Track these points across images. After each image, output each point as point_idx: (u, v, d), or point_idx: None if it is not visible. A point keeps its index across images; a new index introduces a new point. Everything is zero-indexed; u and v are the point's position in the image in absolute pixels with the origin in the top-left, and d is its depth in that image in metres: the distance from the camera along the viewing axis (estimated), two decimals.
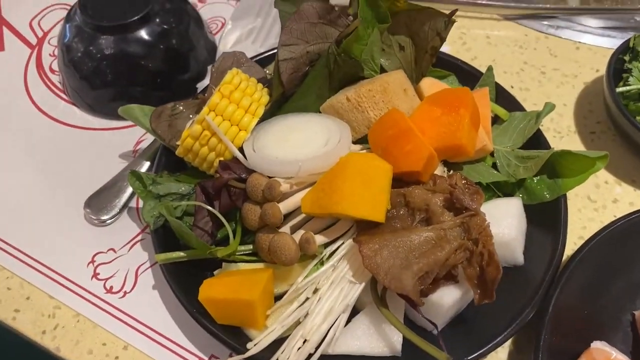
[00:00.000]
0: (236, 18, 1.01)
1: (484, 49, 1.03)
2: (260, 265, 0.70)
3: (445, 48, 0.98)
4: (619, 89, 0.86)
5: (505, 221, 0.72)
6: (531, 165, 0.75)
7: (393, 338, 0.66)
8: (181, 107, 0.81)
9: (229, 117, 0.72)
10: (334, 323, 0.65)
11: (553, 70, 0.99)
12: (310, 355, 0.64)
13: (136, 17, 0.88)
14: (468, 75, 0.87)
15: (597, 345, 0.65)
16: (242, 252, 0.72)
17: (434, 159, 0.68)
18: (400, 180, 0.70)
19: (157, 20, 0.90)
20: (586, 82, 0.97)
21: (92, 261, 0.80)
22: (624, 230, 0.74)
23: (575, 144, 0.90)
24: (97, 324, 0.74)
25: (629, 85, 0.86)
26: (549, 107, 0.80)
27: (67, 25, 0.93)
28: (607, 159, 0.73)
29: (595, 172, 0.74)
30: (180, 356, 0.72)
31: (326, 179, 0.66)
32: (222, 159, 0.73)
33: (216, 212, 0.71)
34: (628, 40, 0.89)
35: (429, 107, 0.72)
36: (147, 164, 0.86)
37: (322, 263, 0.68)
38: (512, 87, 0.96)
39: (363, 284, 0.66)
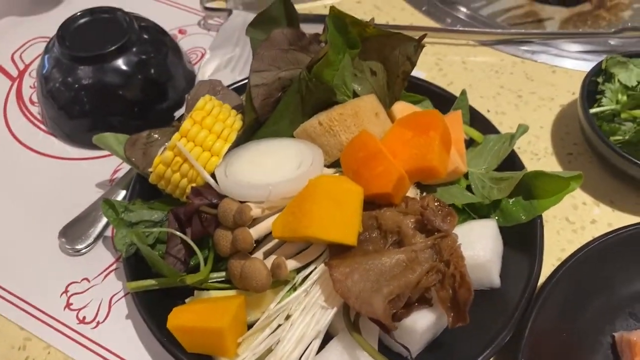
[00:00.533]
0: (215, 47, 1.02)
1: (460, 75, 1.04)
2: (232, 293, 0.69)
3: (421, 74, 1.00)
4: (593, 110, 0.86)
5: (480, 243, 0.71)
6: (505, 186, 0.75)
7: None
8: (156, 135, 0.81)
9: (201, 143, 0.72)
10: (306, 350, 0.64)
11: (530, 93, 1.00)
12: None
13: (113, 47, 0.89)
14: (442, 100, 0.88)
15: None
16: (214, 280, 0.71)
17: (405, 181, 0.68)
18: (372, 203, 0.70)
19: (135, 50, 0.91)
20: (562, 105, 0.98)
21: (66, 291, 0.78)
22: (601, 251, 0.73)
23: (552, 166, 0.90)
24: (68, 356, 0.73)
25: (602, 106, 0.86)
26: (523, 129, 0.81)
27: (46, 57, 0.94)
28: (582, 179, 0.73)
29: (570, 192, 0.74)
30: None
31: (296, 202, 0.66)
32: (194, 185, 0.73)
33: (188, 239, 0.70)
34: (600, 63, 0.90)
35: (399, 130, 0.72)
36: (122, 193, 0.86)
37: (294, 289, 0.67)
38: (488, 111, 0.97)
39: (335, 309, 0.65)
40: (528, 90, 1.01)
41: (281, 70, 0.75)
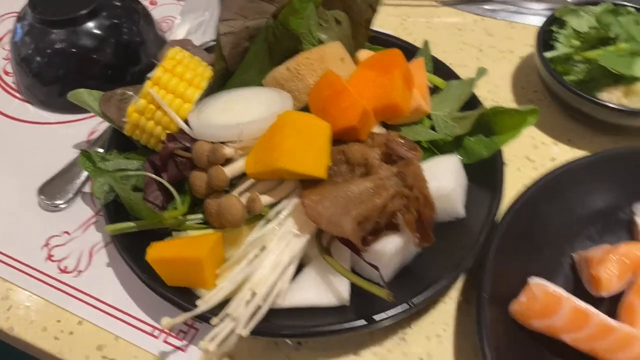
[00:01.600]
0: (185, 12, 1.05)
1: (424, 34, 1.08)
2: (209, 231, 0.72)
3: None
4: (548, 54, 0.91)
5: (445, 175, 0.75)
6: (466, 123, 0.78)
7: (340, 287, 0.68)
8: (130, 92, 0.83)
9: (173, 90, 0.75)
10: (282, 275, 0.67)
11: (490, 47, 1.05)
12: (259, 307, 0.65)
13: (84, 11, 0.91)
14: (407, 52, 0.89)
15: (534, 280, 0.67)
16: (192, 221, 0.74)
17: (369, 116, 0.71)
18: (340, 141, 0.73)
19: (106, 14, 0.93)
20: (522, 57, 1.03)
21: (47, 244, 0.80)
22: (559, 179, 0.77)
23: None
24: (50, 302, 0.75)
25: (556, 50, 0.91)
26: (481, 71, 0.85)
27: (18, 25, 0.96)
28: (537, 113, 0.77)
29: (530, 132, 0.78)
30: (134, 326, 0.72)
31: (266, 136, 0.69)
32: (168, 132, 0.76)
33: (164, 181, 0.73)
34: (554, 13, 0.95)
35: (363, 71, 0.76)
36: (100, 151, 0.88)
37: (269, 222, 0.70)
38: (450, 64, 1.01)
39: (308, 236, 0.68)
40: (488, 44, 1.05)
41: (248, 20, 0.78)
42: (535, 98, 0.96)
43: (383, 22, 1.06)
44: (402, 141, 0.73)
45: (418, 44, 1.05)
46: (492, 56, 1.03)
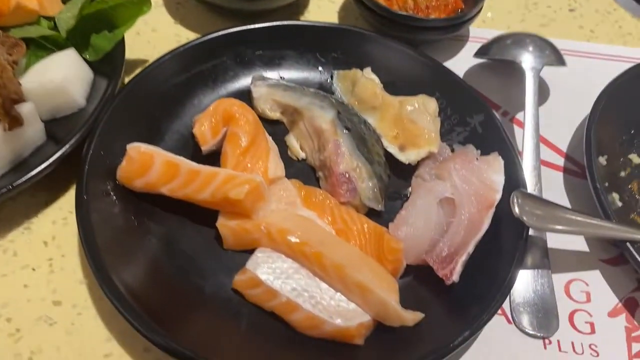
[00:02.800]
0: None
1: None
2: None
3: None
4: None
5: (56, 69, 0.77)
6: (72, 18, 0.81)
7: None
8: None
9: None
10: None
11: None
12: None
13: None
14: None
15: (132, 144, 0.72)
16: None
17: None
18: None
19: None
20: None
21: None
22: (166, 65, 0.82)
23: (161, 14, 0.99)
24: None
25: None
26: None
27: None
28: (150, 2, 0.82)
29: (143, 15, 0.82)
30: None
31: None
32: None
33: None
34: None
35: None
36: None
37: None
38: None
39: None
40: None
41: None
42: (183, 2, 1.02)
43: None
44: (5, 37, 0.75)
45: None
46: None
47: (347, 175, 0.74)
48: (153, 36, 0.96)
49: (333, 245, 0.67)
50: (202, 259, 0.70)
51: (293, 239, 0.67)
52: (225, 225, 0.69)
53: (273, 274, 0.66)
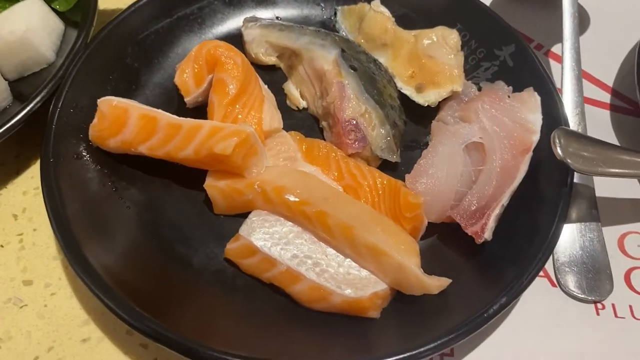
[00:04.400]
0: None
1: None
2: None
3: None
4: None
5: (17, 20, 0.68)
6: None
7: None
8: None
9: None
10: None
11: None
12: None
13: None
14: None
15: (102, 98, 0.62)
16: None
17: None
18: None
19: None
20: None
21: None
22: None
23: None
24: None
25: None
26: None
27: None
28: None
29: None
30: None
31: None
32: None
33: None
34: None
35: None
36: None
37: None
38: None
39: None
40: None
41: None
42: None
43: None
44: None
45: None
46: None
47: (354, 122, 0.63)
48: None
49: (339, 203, 0.57)
50: (189, 227, 0.61)
51: (292, 198, 0.57)
52: (213, 186, 0.60)
53: (270, 240, 0.56)
